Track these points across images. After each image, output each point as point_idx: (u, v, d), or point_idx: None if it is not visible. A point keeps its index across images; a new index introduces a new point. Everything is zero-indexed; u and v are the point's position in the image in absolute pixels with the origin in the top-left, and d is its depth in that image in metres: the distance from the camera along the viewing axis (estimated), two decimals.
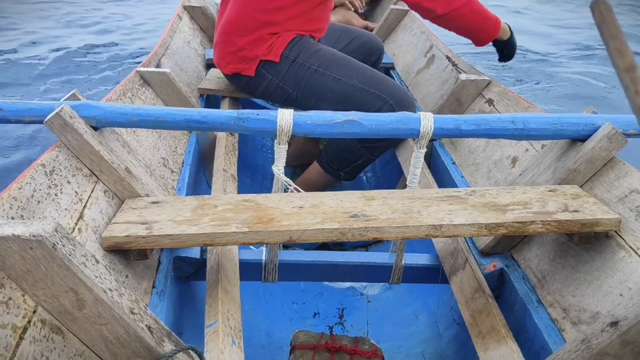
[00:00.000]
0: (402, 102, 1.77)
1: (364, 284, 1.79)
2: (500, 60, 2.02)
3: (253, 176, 2.32)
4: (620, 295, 0.98)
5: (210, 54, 2.44)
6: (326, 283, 1.81)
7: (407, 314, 1.61)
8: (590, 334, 0.88)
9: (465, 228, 1.06)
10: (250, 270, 1.32)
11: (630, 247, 1.03)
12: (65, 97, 1.25)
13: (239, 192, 1.68)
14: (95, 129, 1.20)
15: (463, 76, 1.81)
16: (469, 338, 1.34)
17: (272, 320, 1.61)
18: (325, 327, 1.61)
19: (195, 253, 1.27)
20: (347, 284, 1.80)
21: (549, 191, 1.17)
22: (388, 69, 2.58)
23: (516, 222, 1.06)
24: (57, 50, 4.53)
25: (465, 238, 1.35)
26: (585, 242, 1.09)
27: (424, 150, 1.24)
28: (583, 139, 1.21)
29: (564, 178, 1.21)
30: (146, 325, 0.88)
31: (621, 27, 0.43)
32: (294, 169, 2.33)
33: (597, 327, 0.88)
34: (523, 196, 1.16)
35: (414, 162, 1.25)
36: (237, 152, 1.81)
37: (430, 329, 1.51)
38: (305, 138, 2.33)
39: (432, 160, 1.85)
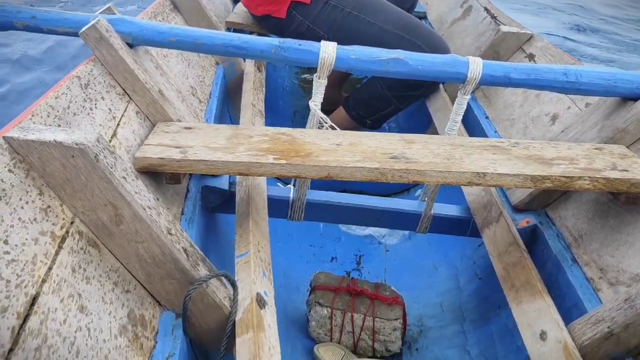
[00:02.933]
0: (439, 50, 1.71)
1: (383, 233, 1.77)
2: None
3: (274, 117, 2.27)
4: None
5: None
6: (344, 229, 1.79)
7: (426, 265, 1.60)
8: (635, 294, 0.86)
9: (510, 178, 1.02)
10: (276, 207, 1.30)
11: None
12: (101, 10, 1.19)
13: None
14: (130, 46, 1.15)
15: (504, 28, 1.74)
16: (491, 292, 1.34)
17: (290, 261, 1.59)
18: (343, 271, 1.60)
19: (223, 184, 1.25)
20: (366, 232, 1.79)
21: (596, 149, 1.13)
22: (420, 19, 2.48)
23: (563, 177, 1.02)
24: None
25: (498, 192, 1.32)
26: (631, 203, 1.05)
27: (469, 96, 1.19)
28: (635, 98, 1.16)
29: (610, 137, 1.16)
30: (182, 248, 0.86)
31: None
32: None
33: None
34: (569, 152, 1.12)
35: (456, 108, 1.20)
36: (264, 89, 1.76)
37: (450, 281, 1.50)
38: (329, 83, 2.26)
39: (464, 113, 1.80)
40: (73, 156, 0.74)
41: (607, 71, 1.17)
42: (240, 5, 2.18)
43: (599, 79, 1.16)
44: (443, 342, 1.32)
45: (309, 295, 1.34)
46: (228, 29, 2.07)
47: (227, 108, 1.85)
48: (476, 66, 1.15)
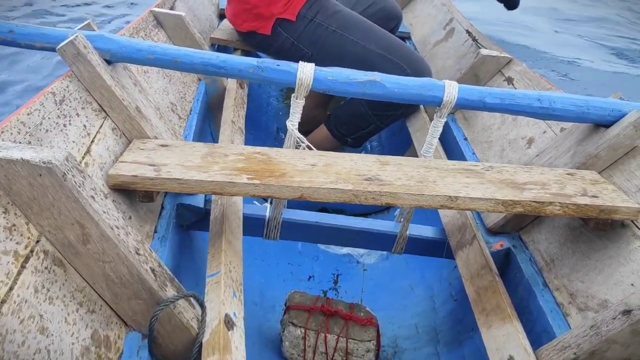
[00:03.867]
0: (420, 71, 1.73)
1: (361, 252, 1.78)
2: (506, 8, 2.19)
3: (256, 134, 2.27)
4: (632, 285, 0.97)
5: (223, 3, 2.37)
6: (322, 248, 1.79)
7: (403, 286, 1.60)
8: (601, 321, 0.87)
9: (481, 202, 1.03)
10: (252, 226, 1.30)
11: None
12: (80, 26, 1.19)
13: None
14: (108, 63, 1.15)
15: (484, 51, 1.76)
16: (465, 315, 1.34)
17: (266, 279, 1.59)
18: (319, 290, 1.60)
19: (199, 202, 1.24)
20: (344, 251, 1.79)
21: (567, 174, 1.15)
22: (404, 39, 2.52)
23: (534, 202, 1.03)
24: None
25: (473, 215, 1.33)
26: (601, 229, 1.07)
27: (444, 119, 1.20)
28: (607, 124, 1.18)
29: (583, 163, 1.18)
30: (150, 268, 0.85)
31: None
32: (302, 134, 2.28)
33: (609, 315, 0.87)
34: (541, 177, 1.13)
35: (432, 131, 1.22)
36: (245, 106, 1.76)
37: (426, 303, 1.50)
38: (315, 104, 2.28)
39: (443, 134, 1.81)
40: (40, 175, 0.73)
41: (579, 98, 1.19)
42: (225, 21, 2.19)
43: (572, 105, 1.18)
44: None
45: (284, 314, 1.33)
46: (212, 45, 2.08)
47: (209, 124, 1.86)
48: (452, 90, 1.16)
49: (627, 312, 0.85)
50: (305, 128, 2.34)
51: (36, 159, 0.73)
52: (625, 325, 0.84)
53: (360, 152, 2.13)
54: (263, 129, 2.40)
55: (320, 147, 1.98)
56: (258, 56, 2.32)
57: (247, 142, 2.00)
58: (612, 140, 1.15)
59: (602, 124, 1.19)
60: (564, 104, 1.18)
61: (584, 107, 1.18)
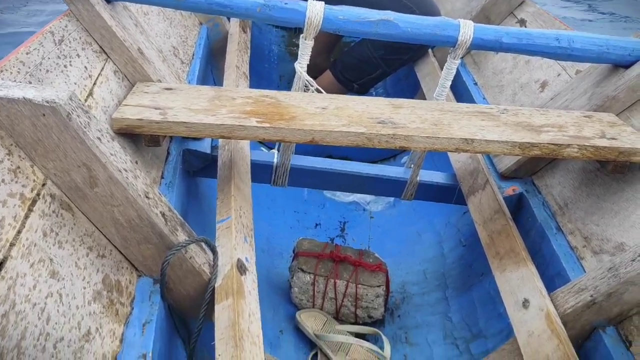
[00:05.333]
0: (429, 12, 1.67)
1: (368, 199, 1.76)
2: None
3: (258, 82, 2.22)
4: None
5: None
6: (329, 195, 1.77)
7: (410, 233, 1.59)
8: (619, 263, 0.86)
9: (498, 145, 1.00)
10: (260, 172, 1.27)
11: None
12: None
13: None
14: (107, 1, 1.10)
15: None
16: (474, 260, 1.33)
17: (273, 226, 1.58)
18: (327, 238, 1.59)
19: (206, 147, 1.21)
20: (350, 198, 1.77)
21: (585, 117, 1.11)
22: None
23: (551, 144, 1.00)
24: None
25: (485, 160, 1.30)
26: (619, 172, 1.04)
27: (458, 61, 1.16)
28: (627, 65, 1.14)
29: (600, 105, 1.14)
30: (160, 212, 0.83)
31: None
32: None
33: (627, 257, 0.86)
34: (558, 119, 1.10)
35: (445, 73, 1.17)
36: (249, 51, 1.71)
37: (434, 249, 1.49)
38: (318, 50, 2.21)
39: (453, 80, 1.77)
40: (44, 115, 0.70)
41: (599, 37, 1.14)
42: None
43: (592, 44, 1.13)
44: (425, 309, 1.32)
45: (292, 261, 1.33)
46: None
47: (211, 70, 1.80)
48: (467, 29, 1.11)
49: None
50: (309, 74, 2.30)
51: (39, 98, 0.69)
52: None
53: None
54: (265, 76, 2.34)
55: (326, 92, 1.93)
56: None
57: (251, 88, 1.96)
58: (633, 80, 1.11)
59: (622, 64, 1.15)
60: (583, 43, 1.14)
61: (603, 47, 1.13)
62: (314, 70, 2.20)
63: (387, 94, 2.27)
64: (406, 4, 1.66)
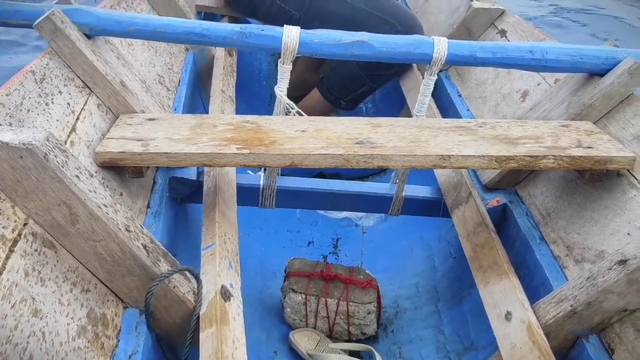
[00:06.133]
0: (411, 28, 1.69)
1: (360, 215, 1.77)
2: None
3: (249, 102, 2.24)
4: (629, 234, 0.96)
5: None
6: (321, 213, 1.79)
7: (402, 247, 1.60)
8: (597, 272, 0.87)
9: (474, 160, 1.02)
10: (247, 195, 1.29)
11: None
12: (56, 0, 1.16)
13: None
14: (88, 37, 1.13)
15: (476, 4, 1.72)
16: (464, 272, 1.34)
17: (265, 247, 1.59)
18: (319, 256, 1.60)
19: (191, 174, 1.23)
20: (343, 215, 1.78)
21: (562, 126, 1.13)
22: None
23: (528, 156, 1.02)
24: None
25: (469, 172, 1.32)
26: (597, 180, 1.06)
27: (435, 77, 1.18)
28: (601, 73, 1.16)
29: (577, 113, 1.16)
30: (142, 244, 0.85)
31: None
32: (294, 99, 2.25)
33: (604, 265, 0.87)
34: (535, 130, 1.11)
35: (423, 89, 1.20)
36: (235, 74, 1.73)
37: (425, 262, 1.50)
38: (306, 67, 2.24)
39: (437, 92, 1.79)
40: (21, 157, 0.72)
41: (573, 47, 1.16)
42: None
43: (565, 55, 1.15)
44: (418, 323, 1.33)
45: (284, 281, 1.34)
46: (199, 14, 2.04)
47: (200, 94, 1.83)
48: (441, 46, 1.14)
49: (622, 262, 0.85)
50: (298, 92, 2.32)
51: (16, 140, 0.71)
52: (621, 275, 0.84)
53: (355, 113, 2.11)
54: (255, 95, 2.37)
55: (314, 111, 1.96)
56: (247, 22, 2.28)
57: (239, 110, 1.98)
58: (607, 88, 1.12)
59: (597, 72, 1.17)
60: (557, 54, 1.16)
61: (577, 57, 1.15)
62: (303, 87, 2.24)
63: (377, 108, 2.30)
64: (387, 20, 1.69)
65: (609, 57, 1.15)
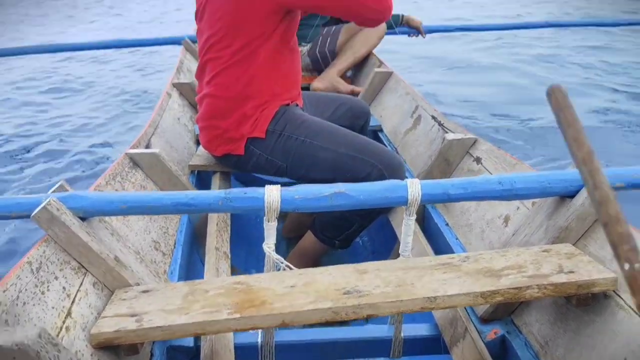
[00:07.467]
0: (391, 165, 1.78)
1: None
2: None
3: (249, 249, 2.29)
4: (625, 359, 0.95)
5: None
6: None
7: None
8: None
9: (460, 298, 1.03)
10: (246, 355, 1.28)
11: (630, 307, 1.00)
12: (53, 189, 1.25)
13: (233, 269, 1.66)
14: (82, 219, 1.20)
15: (449, 136, 1.82)
16: None
17: None
18: None
19: (188, 341, 1.24)
20: None
21: (543, 251, 1.16)
22: (376, 132, 2.60)
23: (512, 288, 1.04)
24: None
25: None
26: (584, 304, 1.06)
27: (414, 217, 1.23)
28: (572, 195, 1.21)
29: (556, 236, 1.19)
30: None
31: (577, 116, 0.43)
32: (291, 240, 2.31)
33: None
34: (517, 259, 1.14)
35: (404, 229, 1.24)
36: (229, 228, 1.80)
37: None
38: None
39: (426, 223, 1.84)
40: (14, 358, 0.75)
41: (539, 174, 1.22)
42: (202, 147, 2.28)
43: (533, 182, 1.21)
44: None
45: None
46: (192, 172, 2.15)
47: (197, 252, 1.88)
48: (414, 188, 1.20)
49: None
50: (295, 233, 2.39)
51: (8, 342, 0.74)
52: None
53: (352, 248, 2.14)
54: (255, 243, 2.41)
55: (310, 252, 2.00)
56: (238, 175, 2.39)
57: (239, 260, 2.02)
58: (579, 209, 1.17)
59: (567, 195, 1.22)
60: (525, 182, 1.21)
61: (545, 182, 1.21)
62: (299, 229, 2.30)
63: (373, 242, 2.34)
64: (369, 162, 1.77)
65: (575, 179, 1.20)
